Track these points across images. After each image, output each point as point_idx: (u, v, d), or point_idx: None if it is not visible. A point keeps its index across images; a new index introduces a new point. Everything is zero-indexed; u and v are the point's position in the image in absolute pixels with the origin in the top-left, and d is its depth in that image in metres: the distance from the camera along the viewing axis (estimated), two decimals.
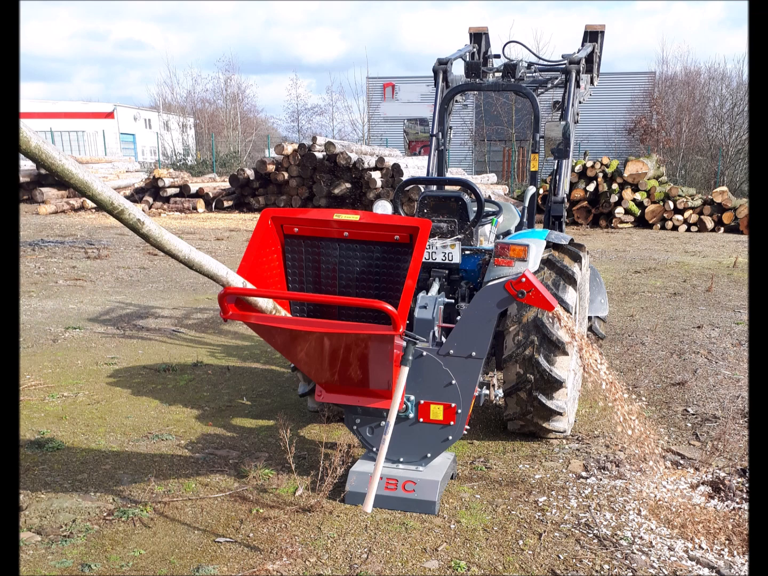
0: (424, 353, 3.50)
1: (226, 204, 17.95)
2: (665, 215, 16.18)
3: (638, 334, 6.43)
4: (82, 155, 26.72)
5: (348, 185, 15.64)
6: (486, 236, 4.53)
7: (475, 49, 5.24)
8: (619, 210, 16.28)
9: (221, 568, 2.97)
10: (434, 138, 5.07)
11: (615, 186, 16.11)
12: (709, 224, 16.40)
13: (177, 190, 18.17)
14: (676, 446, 4.03)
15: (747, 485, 3.41)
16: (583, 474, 3.86)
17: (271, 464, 4.01)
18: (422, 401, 3.56)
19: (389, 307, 2.82)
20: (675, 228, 16.78)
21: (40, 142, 2.06)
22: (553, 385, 3.95)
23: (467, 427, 3.69)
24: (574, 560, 3.02)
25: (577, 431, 4.46)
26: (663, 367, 5.46)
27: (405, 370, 3.28)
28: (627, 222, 16.42)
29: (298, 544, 3.17)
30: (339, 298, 3.35)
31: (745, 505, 3.26)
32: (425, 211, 4.26)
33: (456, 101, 5.23)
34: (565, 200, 4.87)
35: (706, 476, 3.59)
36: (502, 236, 4.62)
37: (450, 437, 3.55)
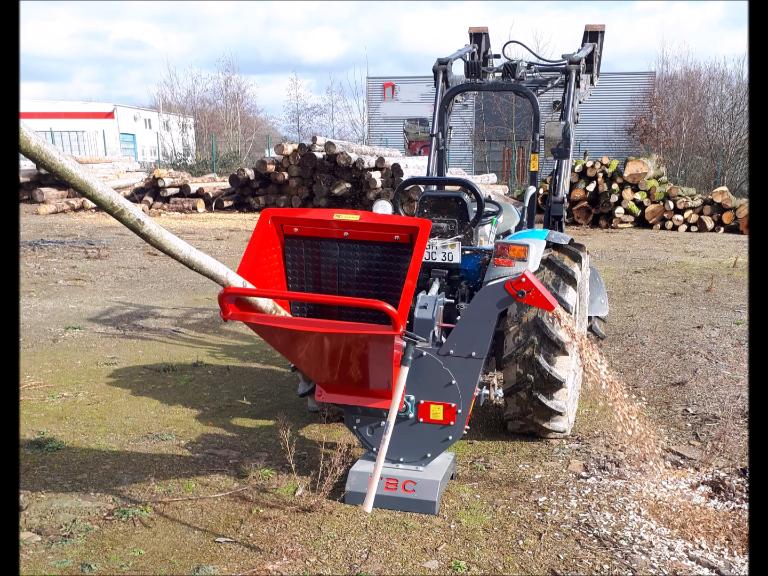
0: (424, 353, 3.49)
1: (226, 204, 18.01)
2: (665, 215, 16.21)
3: (638, 334, 6.44)
4: (82, 155, 26.76)
5: (348, 185, 15.68)
6: (486, 236, 4.53)
7: (475, 49, 5.30)
8: (619, 210, 16.31)
9: (221, 568, 2.96)
10: (434, 138, 5.10)
11: (615, 186, 16.15)
12: (709, 224, 16.38)
13: (177, 190, 18.23)
14: (676, 446, 4.04)
15: (747, 485, 3.42)
16: (583, 474, 3.86)
17: (271, 464, 4.00)
18: (422, 401, 3.55)
19: (389, 307, 2.81)
20: (675, 228, 16.76)
21: (40, 142, 2.06)
22: (553, 385, 3.94)
23: (467, 427, 3.68)
24: (574, 560, 3.02)
25: (577, 431, 4.45)
26: (663, 367, 5.47)
27: (405, 370, 3.27)
28: (627, 222, 16.44)
29: (298, 544, 3.15)
30: (339, 298, 3.35)
31: (745, 505, 3.27)
32: (425, 211, 4.26)
33: (456, 101, 5.28)
34: (565, 200, 4.90)
35: (706, 476, 3.60)
36: (502, 236, 4.63)
37: (450, 437, 3.55)
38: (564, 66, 4.94)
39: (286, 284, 3.56)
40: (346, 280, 3.55)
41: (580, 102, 5.12)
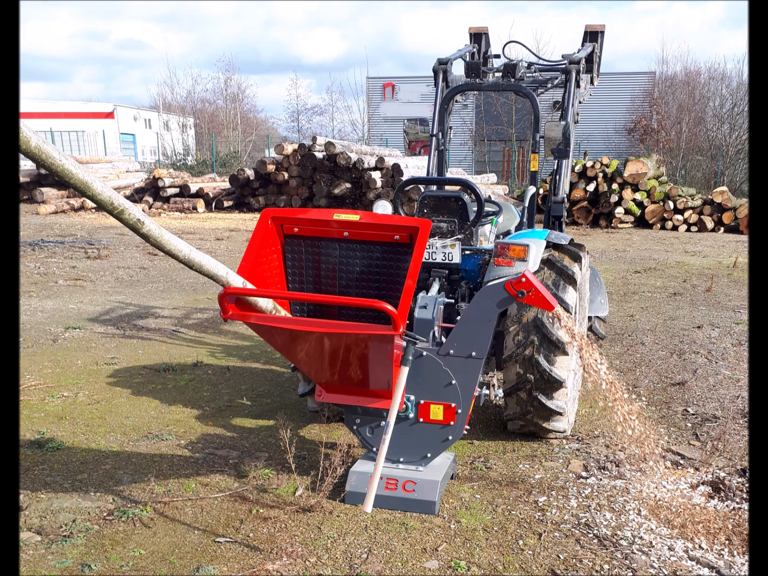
0: (424, 353, 3.50)
1: (226, 204, 18.18)
2: (665, 215, 16.28)
3: (638, 334, 6.48)
4: (82, 155, 26.92)
5: (348, 185, 15.80)
6: (486, 236, 4.55)
7: (475, 49, 5.38)
8: (619, 210, 16.43)
9: (221, 568, 2.98)
10: (434, 138, 5.16)
11: (615, 186, 16.23)
12: (709, 224, 16.33)
13: (177, 190, 18.40)
14: (676, 446, 4.07)
15: (747, 485, 3.43)
16: (583, 474, 3.87)
17: (271, 464, 4.02)
18: (422, 401, 3.55)
19: (389, 307, 2.81)
20: (675, 228, 16.68)
21: (40, 142, 2.07)
22: (553, 385, 3.94)
23: (467, 427, 3.70)
24: (574, 560, 3.04)
25: (577, 431, 4.46)
26: (663, 367, 5.50)
27: (405, 370, 3.29)
28: (627, 222, 16.56)
29: (298, 544, 3.16)
30: (339, 298, 3.37)
31: (745, 505, 3.28)
32: (425, 211, 4.28)
33: (456, 101, 5.36)
34: (565, 200, 4.96)
35: (706, 476, 3.62)
36: (502, 236, 4.66)
37: (450, 437, 3.55)
38: (564, 66, 5.00)
39: (286, 284, 3.57)
40: (346, 280, 3.56)
41: (580, 102, 5.19)
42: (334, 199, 15.94)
